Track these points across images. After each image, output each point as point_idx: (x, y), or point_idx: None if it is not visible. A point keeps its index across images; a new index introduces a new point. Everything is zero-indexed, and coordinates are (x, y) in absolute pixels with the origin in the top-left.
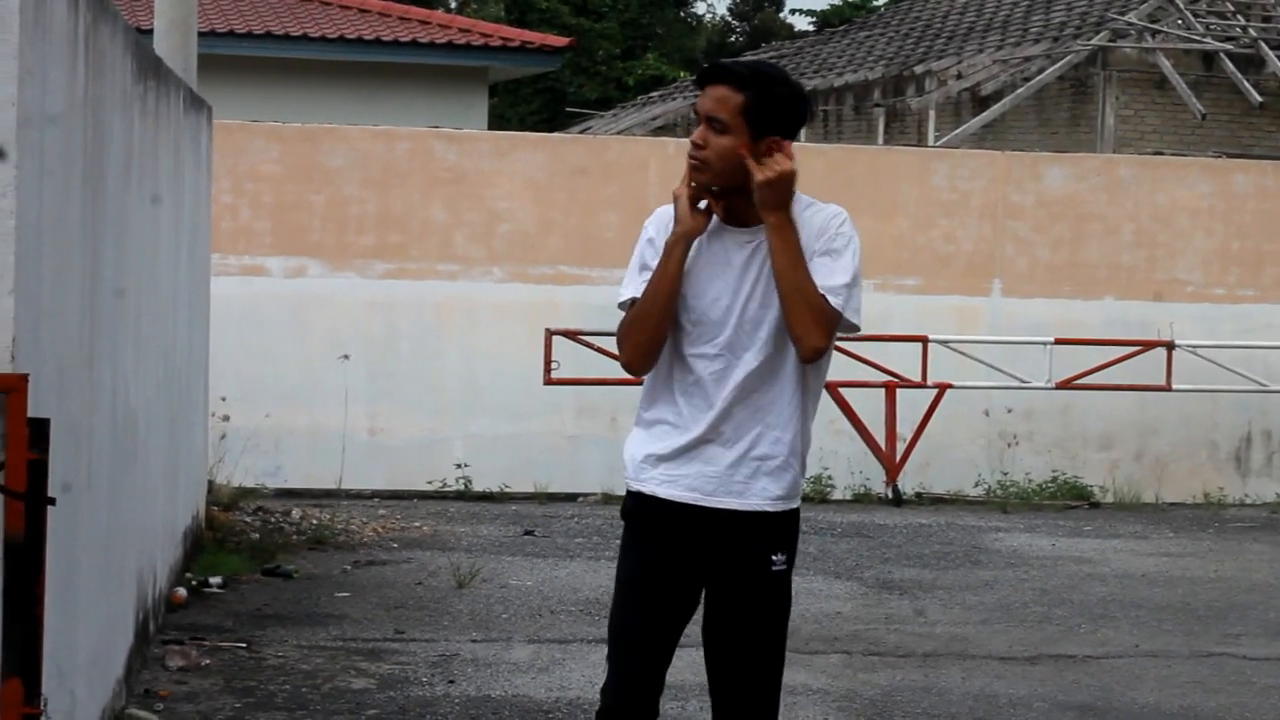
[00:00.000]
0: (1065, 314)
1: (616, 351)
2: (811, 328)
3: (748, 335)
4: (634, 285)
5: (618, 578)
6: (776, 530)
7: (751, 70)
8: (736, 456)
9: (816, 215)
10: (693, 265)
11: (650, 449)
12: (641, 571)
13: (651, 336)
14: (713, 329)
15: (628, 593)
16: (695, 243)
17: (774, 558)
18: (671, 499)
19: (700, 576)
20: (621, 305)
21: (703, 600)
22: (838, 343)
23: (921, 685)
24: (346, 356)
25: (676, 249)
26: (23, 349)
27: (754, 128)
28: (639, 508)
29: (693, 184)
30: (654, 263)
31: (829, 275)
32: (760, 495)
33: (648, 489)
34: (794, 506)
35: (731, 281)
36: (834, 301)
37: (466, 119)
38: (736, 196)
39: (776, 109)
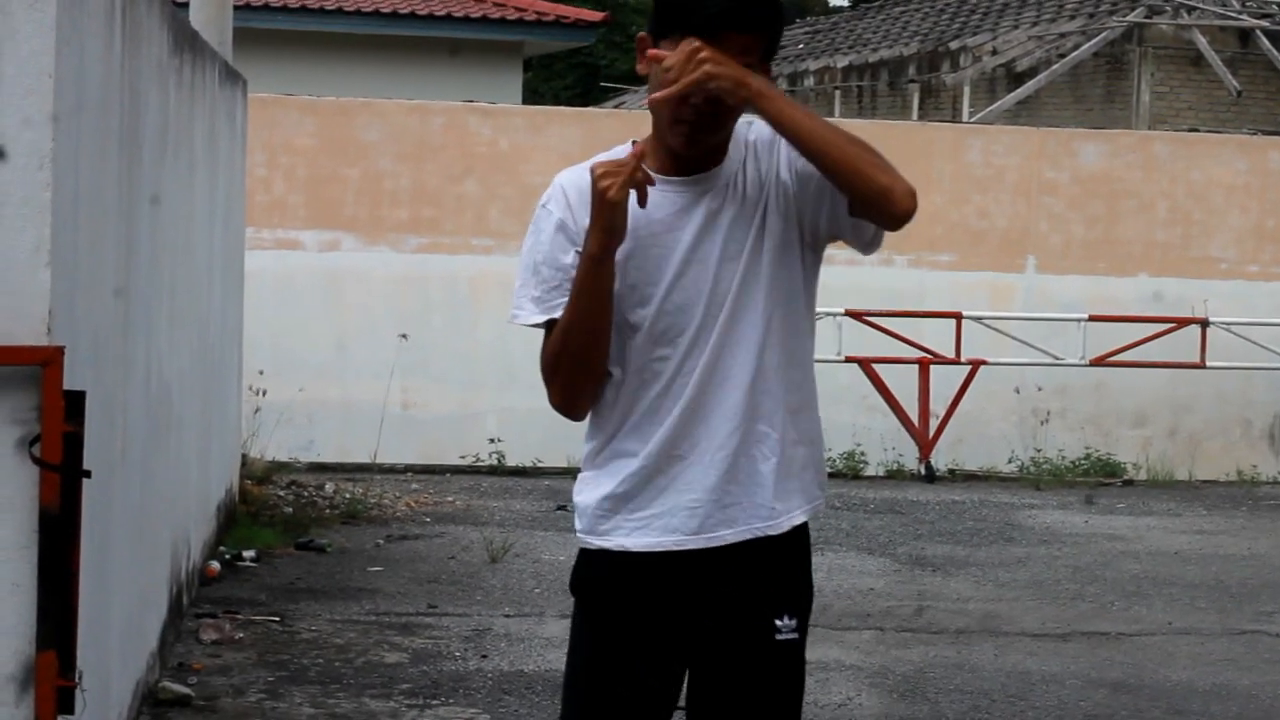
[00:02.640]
0: (1099, 291)
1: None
2: (888, 171)
3: (725, 312)
4: (544, 298)
5: (569, 675)
6: (782, 569)
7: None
8: (725, 468)
9: (749, 133)
10: (631, 248)
11: (607, 489)
12: (607, 667)
13: (589, 374)
14: (675, 320)
15: (588, 699)
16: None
17: (779, 622)
18: (645, 550)
19: (684, 656)
20: (524, 324)
21: (685, 687)
22: (871, 318)
23: (954, 662)
24: (405, 336)
25: (607, 262)
26: (59, 321)
27: (765, 60)
28: (598, 574)
29: (638, 174)
30: (568, 259)
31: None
32: (760, 513)
33: (612, 543)
34: (799, 522)
35: (689, 253)
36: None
37: (501, 93)
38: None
39: (780, 27)
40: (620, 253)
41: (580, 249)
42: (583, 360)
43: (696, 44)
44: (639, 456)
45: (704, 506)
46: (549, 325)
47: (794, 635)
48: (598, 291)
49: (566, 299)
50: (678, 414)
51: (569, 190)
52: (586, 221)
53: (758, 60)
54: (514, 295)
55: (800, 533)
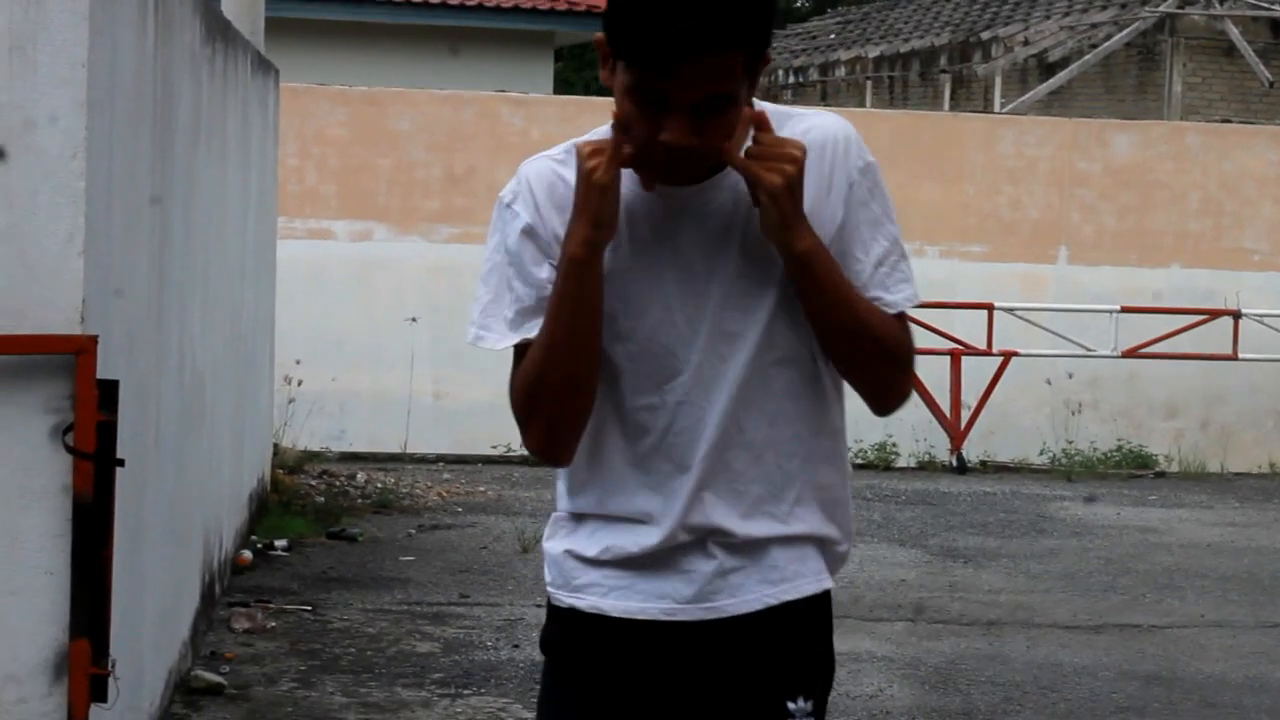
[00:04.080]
0: (1131, 282)
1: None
2: (895, 374)
3: (725, 354)
4: (514, 315)
5: None
6: (798, 642)
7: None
8: (731, 546)
9: (804, 133)
10: (612, 266)
11: (585, 547)
12: None
13: (577, 407)
14: (665, 362)
15: None
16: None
17: (791, 705)
18: (626, 616)
19: None
20: (492, 347)
21: None
22: None
23: (986, 653)
24: (414, 319)
25: (594, 263)
26: (92, 310)
27: (753, 70)
28: (571, 636)
29: (625, 149)
30: (542, 273)
31: (872, 254)
32: (771, 577)
33: (586, 602)
34: (826, 586)
35: (683, 278)
36: (900, 303)
37: (532, 83)
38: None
39: (770, 27)
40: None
41: (554, 260)
42: (569, 390)
43: (799, 146)
44: (644, 526)
45: (704, 573)
46: (521, 348)
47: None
48: (584, 300)
49: (542, 319)
50: (686, 487)
51: (536, 186)
52: (558, 226)
53: (743, 77)
54: (475, 310)
55: (820, 601)
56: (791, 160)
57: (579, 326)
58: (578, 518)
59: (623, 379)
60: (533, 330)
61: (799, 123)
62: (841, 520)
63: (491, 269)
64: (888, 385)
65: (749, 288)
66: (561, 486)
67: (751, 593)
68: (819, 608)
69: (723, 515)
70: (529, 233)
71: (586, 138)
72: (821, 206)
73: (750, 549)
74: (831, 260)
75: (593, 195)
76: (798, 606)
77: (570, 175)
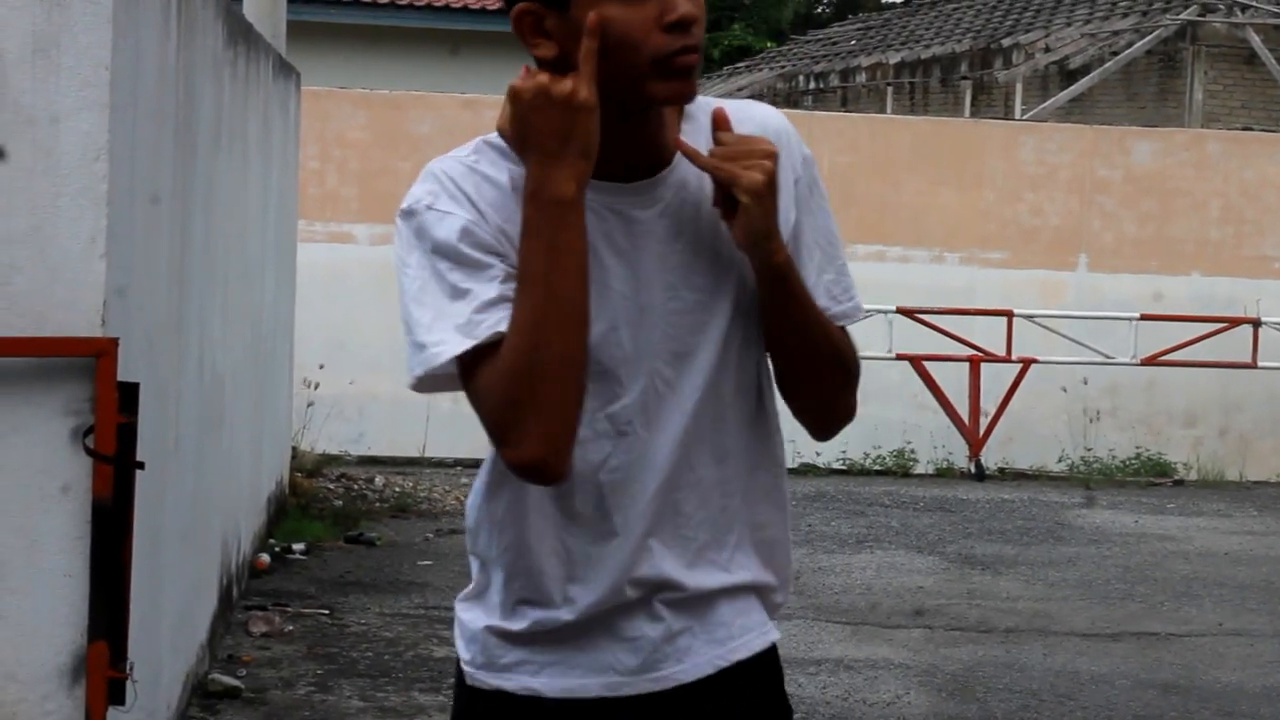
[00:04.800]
0: (1151, 289)
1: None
2: (849, 394)
3: (672, 379)
4: (472, 314)
5: None
6: (752, 705)
7: None
8: (679, 600)
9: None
10: None
11: (510, 621)
12: None
13: (577, 391)
14: (608, 383)
15: None
16: None
17: None
18: (564, 696)
19: None
20: (444, 361)
21: None
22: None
23: (1003, 661)
24: None
25: (582, 206)
26: (113, 313)
27: None
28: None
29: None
30: (495, 272)
31: (816, 260)
32: (717, 636)
33: (515, 683)
34: (773, 639)
35: (627, 289)
36: (849, 315)
37: None
38: (620, 122)
39: None
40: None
41: (506, 260)
42: (571, 366)
43: (767, 141)
44: (570, 595)
45: (650, 638)
46: (476, 353)
47: None
48: (577, 252)
49: (506, 314)
50: (625, 536)
51: (461, 181)
52: (501, 222)
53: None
54: (418, 334)
55: (769, 655)
56: (767, 156)
57: (572, 287)
58: (500, 579)
59: None
60: (502, 324)
61: (742, 114)
62: (779, 564)
63: (423, 286)
64: (840, 406)
65: (701, 301)
66: (481, 538)
67: (700, 655)
68: (769, 662)
69: (671, 566)
70: (467, 232)
71: (457, 152)
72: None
73: (696, 605)
74: (800, 279)
75: (579, 119)
76: (748, 665)
77: (493, 173)
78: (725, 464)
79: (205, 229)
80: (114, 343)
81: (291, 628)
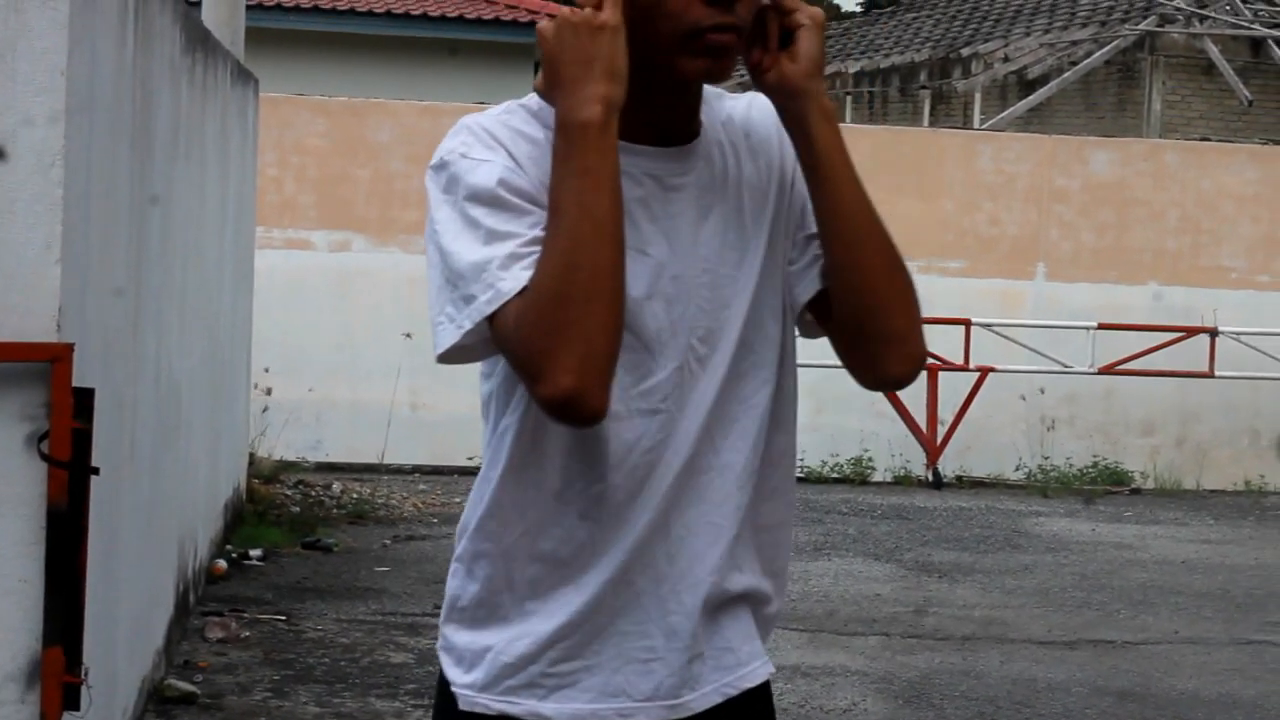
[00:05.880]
0: (1109, 299)
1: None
2: (913, 312)
3: (704, 354)
4: (513, 252)
5: None
6: None
7: None
8: (699, 602)
9: (739, 109)
10: None
11: (512, 636)
12: None
13: (616, 311)
14: (640, 355)
15: None
16: None
17: None
18: (575, 717)
19: None
20: (476, 320)
21: None
22: None
23: (960, 668)
24: (410, 335)
25: (612, 129)
26: (68, 318)
27: None
28: None
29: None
30: (535, 210)
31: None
32: (726, 662)
33: (522, 708)
34: (771, 670)
35: (668, 258)
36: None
37: (511, 95)
38: (659, 91)
39: None
40: None
41: (542, 208)
42: (610, 286)
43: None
44: (581, 586)
45: (663, 658)
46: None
47: None
48: (608, 176)
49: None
50: (644, 520)
51: (495, 130)
52: (539, 173)
53: None
54: (441, 305)
55: (767, 687)
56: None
57: (605, 205)
58: (500, 587)
59: None
60: (528, 264)
61: (754, 99)
62: (778, 569)
63: (456, 236)
64: (907, 323)
65: (730, 277)
66: (473, 529)
67: (709, 683)
68: (766, 696)
69: (686, 557)
70: (504, 179)
71: (489, 110)
72: (789, 190)
73: (704, 619)
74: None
75: (601, 40)
76: (751, 695)
77: (527, 129)
78: (740, 452)
79: (162, 235)
80: (69, 348)
81: (248, 634)
